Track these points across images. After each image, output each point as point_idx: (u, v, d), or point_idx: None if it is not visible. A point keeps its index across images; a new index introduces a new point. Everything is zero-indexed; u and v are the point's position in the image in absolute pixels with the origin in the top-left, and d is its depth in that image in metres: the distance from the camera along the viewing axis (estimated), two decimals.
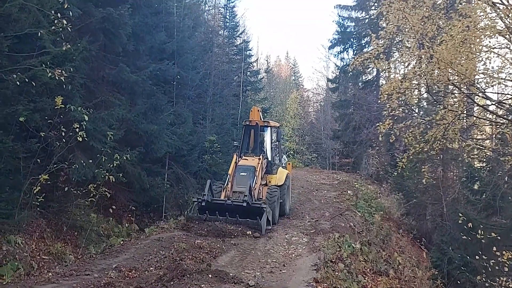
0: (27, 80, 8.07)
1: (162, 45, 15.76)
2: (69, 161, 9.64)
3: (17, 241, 8.43)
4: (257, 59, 42.64)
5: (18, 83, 7.94)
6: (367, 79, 33.38)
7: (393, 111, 9.41)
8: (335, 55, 37.26)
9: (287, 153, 38.94)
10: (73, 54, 9.47)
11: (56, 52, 8.84)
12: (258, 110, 16.66)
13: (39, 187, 8.84)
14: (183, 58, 17.28)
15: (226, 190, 13.66)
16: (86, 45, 10.38)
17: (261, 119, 16.45)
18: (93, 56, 11.65)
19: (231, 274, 8.59)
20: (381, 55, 9.31)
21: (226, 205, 12.90)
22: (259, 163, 14.63)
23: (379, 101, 14.67)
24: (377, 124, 10.51)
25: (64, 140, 9.26)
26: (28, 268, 8.07)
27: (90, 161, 10.10)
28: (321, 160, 42.65)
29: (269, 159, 15.96)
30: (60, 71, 8.33)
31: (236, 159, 14.79)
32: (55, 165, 9.28)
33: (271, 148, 16.18)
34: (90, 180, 10.23)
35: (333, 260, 9.97)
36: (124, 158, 10.93)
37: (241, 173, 14.14)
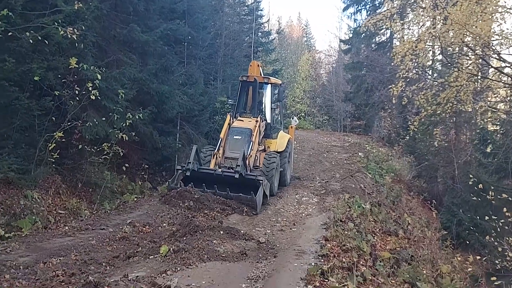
0: (40, 39, 8.09)
1: (172, 5, 15.54)
2: (82, 119, 9.74)
3: (33, 196, 8.67)
4: (268, 19, 41.88)
5: (31, 41, 7.97)
6: (381, 41, 32.69)
7: (406, 73, 9.25)
8: (349, 16, 36.64)
9: (298, 115, 38.82)
10: (84, 13, 9.43)
11: (68, 10, 8.80)
12: (259, 65, 14.85)
13: (54, 144, 9.00)
14: (194, 18, 17.03)
15: (216, 157, 11.77)
16: (98, 3, 10.30)
17: (261, 75, 14.63)
18: (104, 15, 11.58)
19: (242, 231, 8.81)
20: (394, 16, 9.10)
21: (216, 175, 11.09)
22: (256, 125, 12.73)
23: (392, 63, 14.37)
24: (390, 86, 10.36)
25: (77, 99, 9.34)
26: (45, 221, 8.34)
27: (103, 119, 10.21)
28: (332, 123, 42.51)
29: (268, 121, 14.09)
30: (72, 29, 8.33)
31: (230, 120, 12.98)
32: (69, 123, 9.41)
33: (271, 108, 14.32)
34: (103, 138, 10.38)
35: (343, 220, 10.12)
36: (137, 117, 11.04)
37: (234, 136, 12.34)
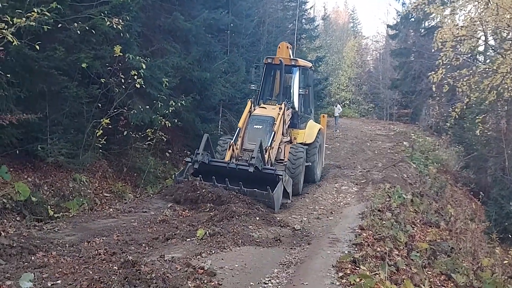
0: (87, 29, 8.45)
1: None
2: (128, 106, 10.12)
3: (82, 179, 9.17)
4: (313, 5, 41.38)
5: (79, 32, 8.34)
6: (430, 26, 31.57)
7: (447, 60, 8.96)
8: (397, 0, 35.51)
9: (343, 103, 38.33)
10: (130, 4, 9.71)
11: (114, 2, 9.10)
12: (288, 47, 13.39)
13: (101, 130, 9.44)
14: (237, 6, 17.12)
15: (233, 149, 10.50)
16: None
17: (290, 57, 13.19)
18: (149, 5, 11.89)
19: (278, 218, 8.95)
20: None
21: (229, 168, 9.88)
22: (279, 113, 11.34)
23: (432, 50, 13.76)
24: (429, 73, 10.00)
25: (123, 87, 9.72)
26: (91, 203, 8.81)
27: (147, 107, 10.56)
28: (378, 111, 41.78)
29: (296, 109, 12.78)
30: (118, 20, 8.65)
31: (251, 107, 11.67)
32: (115, 110, 9.82)
33: (299, 94, 12.87)
34: (147, 124, 10.76)
35: (381, 209, 10.04)
36: (179, 104, 11.35)
37: (254, 126, 11.05)
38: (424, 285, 5.97)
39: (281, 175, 9.80)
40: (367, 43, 52.19)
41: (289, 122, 12.39)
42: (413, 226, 10.01)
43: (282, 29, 24.50)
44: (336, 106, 29.36)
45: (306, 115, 13.53)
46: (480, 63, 15.42)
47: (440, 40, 8.51)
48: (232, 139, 10.95)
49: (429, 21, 32.08)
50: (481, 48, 18.10)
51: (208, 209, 8.92)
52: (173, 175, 10.52)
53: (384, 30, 45.69)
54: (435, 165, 19.49)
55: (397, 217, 9.73)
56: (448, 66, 10.22)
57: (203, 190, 9.37)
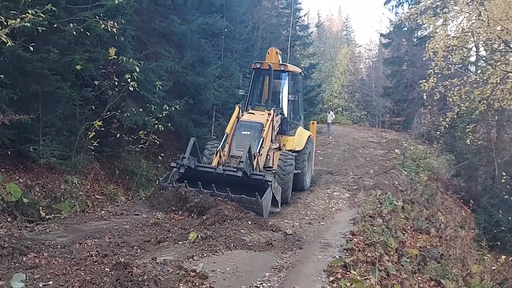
0: (82, 31, 8.46)
1: None
2: (121, 109, 10.12)
3: (73, 181, 9.14)
4: (307, 13, 41.64)
5: (74, 33, 8.35)
6: (423, 35, 31.91)
7: (438, 69, 9.08)
8: (390, 9, 35.96)
9: (335, 110, 38.53)
10: (124, 7, 9.74)
11: (109, 5, 9.11)
12: (277, 53, 13.07)
13: (94, 133, 9.43)
14: (232, 12, 17.23)
15: (220, 155, 10.12)
16: None
17: (280, 63, 12.88)
18: (144, 8, 11.94)
19: (270, 222, 8.98)
20: (428, 10, 8.94)
21: (216, 174, 9.56)
22: (268, 119, 11.00)
23: (423, 58, 13.89)
24: (420, 81, 10.14)
25: (116, 89, 9.74)
26: (83, 205, 8.78)
27: (141, 110, 10.58)
28: (370, 118, 42.08)
29: (285, 115, 12.48)
30: (112, 23, 8.66)
31: (239, 112, 11.35)
32: (108, 112, 9.81)
33: (289, 100, 12.53)
34: (140, 127, 10.77)
35: (372, 215, 10.10)
36: (173, 108, 11.37)
37: (242, 132, 10.72)
38: None
39: (270, 181, 9.52)
40: (360, 51, 52.60)
41: (278, 128, 12.10)
42: (403, 232, 10.07)
43: (276, 35, 24.67)
44: (329, 113, 29.51)
45: (295, 121, 13.21)
46: (471, 73, 15.61)
47: (431, 50, 8.62)
48: (219, 145, 10.63)
49: (421, 31, 32.40)
50: (472, 59, 18.38)
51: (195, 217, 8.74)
52: (157, 180, 9.97)
53: (377, 38, 46.11)
54: (426, 173, 19.63)
55: (388, 224, 9.79)
56: (439, 75, 10.34)
57: (189, 199, 9.04)
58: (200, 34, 13.73)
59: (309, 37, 33.88)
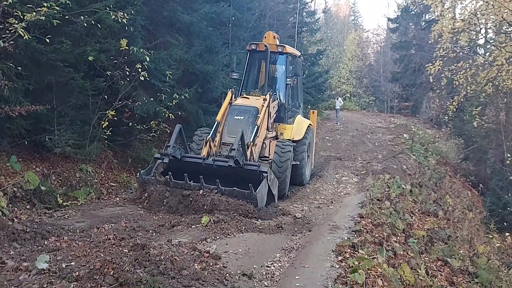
0: (93, 23, 8.64)
1: None
2: (132, 98, 10.34)
3: (88, 169, 9.42)
4: None
5: (85, 25, 8.54)
6: (431, 18, 31.66)
7: (445, 52, 9.13)
8: None
9: (344, 96, 38.50)
10: None
11: None
12: (275, 37, 11.94)
13: (107, 122, 9.68)
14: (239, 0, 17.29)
15: (210, 145, 9.23)
16: None
17: (277, 44, 11.73)
18: None
19: (279, 206, 9.20)
20: None
21: (205, 164, 8.63)
22: (264, 104, 10.05)
23: (429, 42, 13.70)
24: (426, 65, 10.16)
25: (128, 79, 9.93)
26: (98, 193, 9.07)
27: (152, 99, 10.80)
28: (379, 104, 41.97)
29: (283, 101, 11.43)
30: (122, 14, 8.83)
31: (232, 97, 10.41)
32: (120, 102, 10.02)
33: (286, 85, 11.46)
34: (151, 116, 11.00)
35: (380, 199, 10.27)
36: (183, 97, 11.58)
37: (235, 117, 9.80)
38: (420, 269, 6.20)
39: (266, 172, 8.60)
40: (368, 36, 52.33)
41: (275, 115, 11.06)
42: (411, 215, 10.25)
43: (283, 22, 24.64)
44: (337, 99, 29.57)
45: (294, 109, 12.19)
46: (480, 56, 15.58)
47: (436, 32, 8.67)
48: (209, 133, 9.76)
49: (429, 14, 32.15)
50: (481, 41, 18.31)
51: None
52: (137, 173, 8.99)
53: (384, 23, 45.79)
54: (435, 157, 19.72)
55: (395, 206, 9.96)
56: (446, 59, 10.37)
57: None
58: (208, 22, 13.85)
59: (316, 23, 33.75)
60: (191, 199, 8.08)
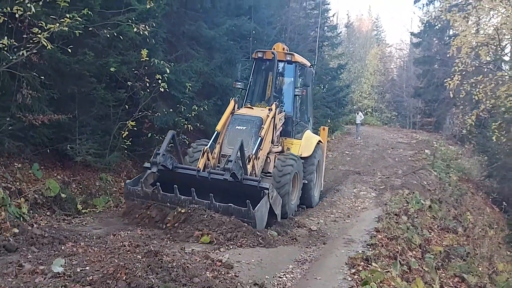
0: (115, 35, 8.91)
1: (239, 1, 16.06)
2: (152, 109, 10.55)
3: (107, 178, 9.64)
4: (336, 13, 41.48)
5: (108, 36, 8.80)
6: (455, 33, 31.39)
7: (463, 66, 9.04)
8: (420, 7, 35.53)
9: (365, 111, 38.27)
10: (155, 11, 10.15)
11: (140, 9, 9.54)
12: (284, 49, 10.89)
13: (127, 132, 9.88)
14: (259, 14, 17.46)
15: (208, 157, 8.42)
16: (168, 2, 11.04)
17: (285, 52, 10.79)
18: (174, 12, 12.36)
19: (295, 219, 9.18)
20: (453, 8, 8.93)
21: (199, 177, 7.80)
22: (269, 115, 9.21)
23: (447, 55, 13.37)
24: (445, 80, 10.08)
25: (148, 90, 10.15)
26: (116, 201, 9.25)
27: (171, 110, 10.99)
28: (401, 119, 41.57)
29: (290, 114, 10.46)
30: (144, 26, 9.08)
31: (235, 107, 9.61)
32: (140, 113, 10.24)
33: (295, 96, 10.59)
34: (171, 127, 11.15)
35: (397, 213, 10.16)
36: (202, 108, 11.74)
37: (237, 127, 9.01)
38: (435, 284, 6.11)
39: (267, 189, 7.70)
40: (390, 51, 52.00)
41: (281, 128, 10.16)
42: (429, 231, 10.11)
43: (304, 36, 24.77)
44: (357, 114, 29.40)
45: (302, 123, 11.21)
46: (504, 71, 15.37)
47: (455, 46, 8.62)
48: (207, 144, 8.92)
49: (453, 29, 31.86)
50: (507, 58, 18.02)
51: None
52: (124, 183, 8.42)
53: (408, 38, 45.52)
54: (457, 174, 19.35)
55: (413, 221, 9.84)
56: (464, 73, 10.26)
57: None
58: (229, 36, 14.04)
59: (338, 37, 33.82)
60: (179, 216, 7.32)
